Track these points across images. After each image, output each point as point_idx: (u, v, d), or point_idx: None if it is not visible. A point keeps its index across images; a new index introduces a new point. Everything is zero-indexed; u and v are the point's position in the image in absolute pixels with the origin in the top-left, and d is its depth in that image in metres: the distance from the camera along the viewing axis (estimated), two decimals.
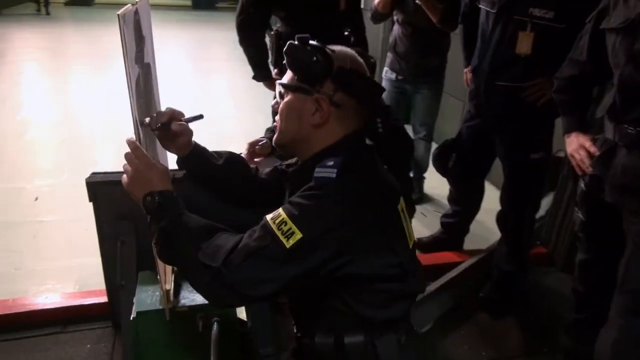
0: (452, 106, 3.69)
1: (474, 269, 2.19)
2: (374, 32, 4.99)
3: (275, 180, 1.20)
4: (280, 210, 0.92)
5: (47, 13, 10.88)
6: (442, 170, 2.23)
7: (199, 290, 0.95)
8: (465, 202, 2.35)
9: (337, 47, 1.02)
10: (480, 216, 2.44)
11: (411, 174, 3.18)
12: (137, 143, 1.02)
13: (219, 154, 1.25)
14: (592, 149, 1.41)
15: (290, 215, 0.90)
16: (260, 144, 1.55)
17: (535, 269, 2.32)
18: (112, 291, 1.76)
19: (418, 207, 3.00)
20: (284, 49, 0.99)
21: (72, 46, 7.68)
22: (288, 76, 1.03)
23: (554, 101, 1.69)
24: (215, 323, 1.37)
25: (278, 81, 1.06)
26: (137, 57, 1.11)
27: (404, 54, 2.82)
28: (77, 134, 3.90)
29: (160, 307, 1.37)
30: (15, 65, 5.97)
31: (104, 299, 1.83)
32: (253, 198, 1.25)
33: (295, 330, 1.12)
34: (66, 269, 2.17)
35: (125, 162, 1.01)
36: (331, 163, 0.95)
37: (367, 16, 2.79)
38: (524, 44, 1.77)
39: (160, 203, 0.97)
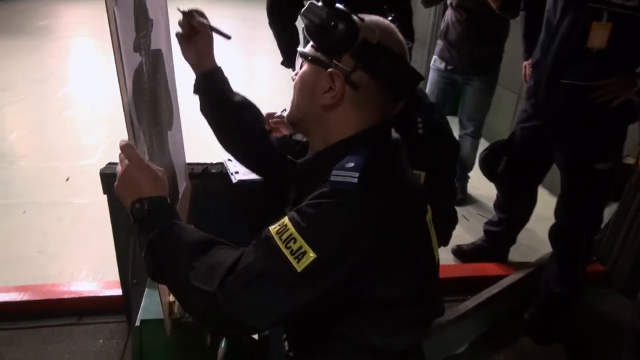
0: (505, 100, 3.39)
1: (519, 285, 1.97)
2: (423, 17, 4.70)
3: (283, 155, 1.01)
4: (287, 220, 0.76)
5: None
6: (489, 174, 2.01)
7: (194, 317, 0.82)
8: (513, 211, 2.12)
9: (373, 17, 0.84)
10: (531, 223, 2.20)
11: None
12: (132, 143, 0.88)
13: (237, 93, 1.15)
14: None
15: (299, 229, 0.74)
16: (275, 115, 1.38)
17: (589, 289, 2.07)
18: (125, 286, 1.68)
19: (460, 209, 2.77)
20: (302, 10, 0.82)
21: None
22: (309, 45, 0.87)
23: (629, 103, 1.44)
24: (224, 338, 1.26)
25: (298, 49, 0.90)
26: (139, 44, 0.97)
27: (455, 41, 2.57)
28: (118, 114, 3.86)
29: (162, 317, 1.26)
30: (64, 42, 6.05)
31: (120, 291, 1.75)
32: (256, 156, 1.15)
33: (287, 349, 0.97)
34: (88, 256, 2.12)
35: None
36: (351, 165, 0.77)
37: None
38: (598, 36, 1.51)
39: (150, 211, 0.83)
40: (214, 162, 1.60)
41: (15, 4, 8.16)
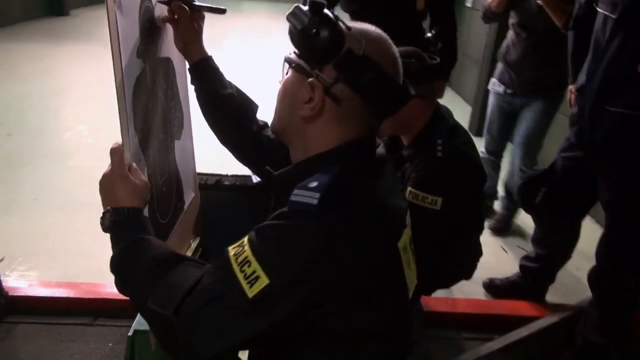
0: (558, 125, 3.18)
1: (553, 330, 1.80)
2: (478, 35, 4.55)
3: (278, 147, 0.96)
4: (245, 241, 0.71)
5: None
6: (526, 205, 1.88)
7: (153, 333, 0.78)
8: (552, 246, 1.95)
9: (364, 26, 0.78)
10: (575, 261, 2.01)
11: (498, 202, 2.79)
12: (121, 148, 0.87)
13: (230, 84, 1.13)
14: None
15: (254, 251, 0.69)
16: None
17: (635, 345, 1.85)
18: None
19: (499, 240, 2.62)
20: (287, 16, 0.76)
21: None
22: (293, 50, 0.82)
23: None
24: None
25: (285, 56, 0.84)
26: (143, 50, 0.96)
27: (515, 63, 2.42)
28: None
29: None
30: None
31: None
32: (252, 151, 1.12)
33: None
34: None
35: None
36: (314, 184, 0.71)
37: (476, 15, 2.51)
38: None
39: (117, 222, 0.81)
40: (229, 174, 1.58)
41: (89, 11, 8.76)
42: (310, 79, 0.76)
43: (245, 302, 0.67)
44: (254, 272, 0.68)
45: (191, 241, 1.38)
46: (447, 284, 1.73)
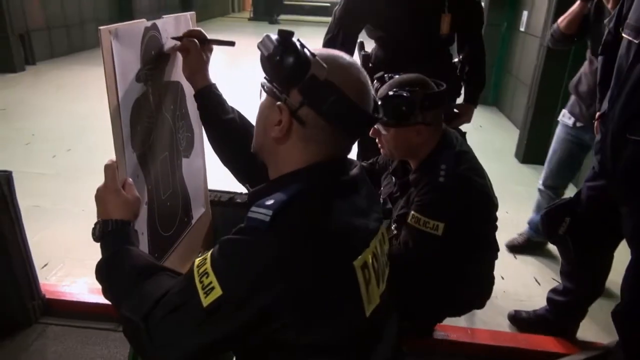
0: None
1: None
2: (530, 61, 4.42)
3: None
4: (209, 254, 0.76)
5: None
6: (549, 235, 1.80)
7: (127, 334, 0.83)
8: (580, 280, 1.84)
9: (331, 52, 0.83)
10: (614, 295, 1.89)
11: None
12: (114, 165, 0.95)
13: (233, 109, 1.19)
14: None
15: (213, 264, 0.74)
16: None
17: None
18: None
19: (533, 270, 2.50)
20: (258, 44, 0.82)
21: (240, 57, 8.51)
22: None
23: None
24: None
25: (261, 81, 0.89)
26: (145, 75, 1.05)
27: (586, 94, 2.24)
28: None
29: None
30: None
31: None
32: (250, 171, 1.14)
33: None
34: None
35: None
36: (271, 202, 0.75)
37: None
38: None
39: (106, 233, 0.89)
40: (243, 192, 1.64)
41: None
42: (278, 103, 0.80)
43: (201, 312, 0.72)
44: (210, 283, 0.72)
45: (199, 254, 1.45)
46: (459, 312, 1.67)
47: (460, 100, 2.22)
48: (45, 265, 2.26)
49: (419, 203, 1.34)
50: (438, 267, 1.36)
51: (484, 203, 1.40)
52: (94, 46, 8.35)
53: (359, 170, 0.89)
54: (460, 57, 2.16)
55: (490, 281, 1.56)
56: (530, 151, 3.92)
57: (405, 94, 1.25)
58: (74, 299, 1.98)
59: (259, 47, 0.81)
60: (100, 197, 0.93)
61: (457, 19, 1.98)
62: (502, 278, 2.39)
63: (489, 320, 2.08)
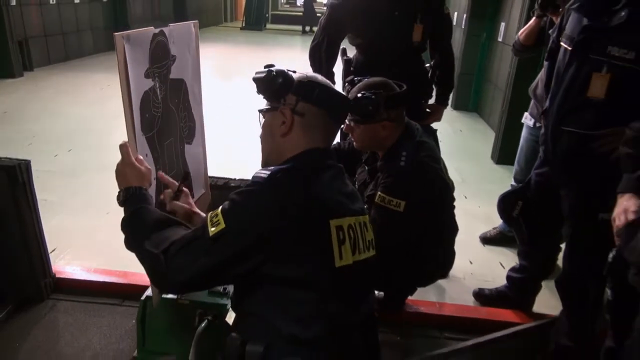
0: None
1: (527, 334, 1.93)
2: (506, 69, 4.71)
3: None
4: (220, 207, 1.01)
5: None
6: (505, 218, 2.04)
7: (147, 274, 1.06)
8: (533, 258, 2.08)
9: (306, 73, 1.10)
10: None
11: None
12: (127, 144, 1.18)
13: None
14: (630, 217, 1.17)
15: (222, 208, 0.99)
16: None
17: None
18: None
19: (499, 256, 2.74)
20: (253, 77, 1.07)
21: (237, 60, 8.74)
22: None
23: None
24: (206, 321, 1.47)
25: (258, 109, 1.15)
26: (153, 72, 1.28)
27: (542, 96, 2.40)
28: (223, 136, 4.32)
29: (168, 297, 1.52)
30: None
31: None
32: None
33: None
34: None
35: None
36: (271, 168, 1.02)
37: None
38: (598, 86, 1.55)
39: (127, 197, 1.11)
40: (237, 177, 1.88)
41: None
42: (280, 108, 1.07)
43: (208, 240, 0.96)
44: (217, 220, 0.97)
45: None
46: (425, 282, 1.90)
47: (432, 101, 2.48)
48: (54, 250, 2.46)
49: (383, 185, 1.57)
50: (403, 241, 1.59)
51: (439, 184, 1.64)
52: (89, 53, 8.57)
53: (342, 171, 1.14)
54: (432, 62, 2.41)
55: (450, 254, 1.80)
56: (504, 153, 4.17)
57: (371, 96, 1.49)
58: (81, 278, 2.19)
59: (254, 80, 1.08)
60: (120, 170, 1.16)
61: (427, 29, 2.24)
62: (471, 262, 2.64)
63: (457, 297, 2.31)
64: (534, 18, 2.44)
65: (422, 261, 1.69)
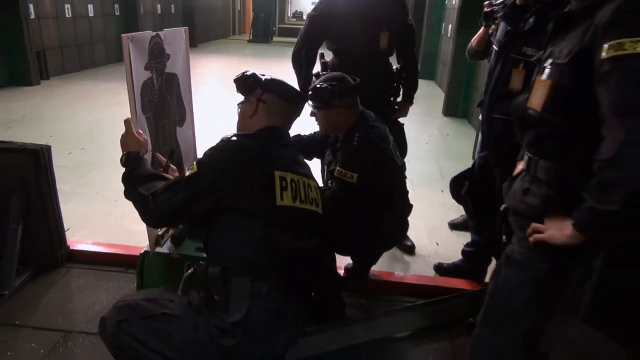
0: None
1: (472, 297, 2.22)
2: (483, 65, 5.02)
3: None
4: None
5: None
6: (455, 197, 2.35)
7: (140, 213, 1.40)
8: (482, 233, 2.39)
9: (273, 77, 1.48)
10: None
11: None
12: (130, 120, 1.53)
13: None
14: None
15: (198, 159, 1.36)
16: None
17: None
18: None
19: (464, 241, 3.03)
20: (233, 79, 1.46)
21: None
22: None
23: None
24: (192, 269, 1.80)
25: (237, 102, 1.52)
26: (151, 65, 1.63)
27: None
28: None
29: (160, 252, 1.86)
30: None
31: None
32: None
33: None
34: None
35: None
36: (237, 133, 1.40)
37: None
38: (517, 80, 1.88)
39: (128, 159, 1.46)
40: None
41: None
42: (250, 98, 1.44)
43: (184, 179, 1.32)
44: (193, 167, 1.33)
45: None
46: (379, 248, 2.20)
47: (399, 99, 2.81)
48: (68, 229, 2.80)
49: (340, 160, 1.90)
50: (357, 207, 1.91)
51: (386, 160, 1.96)
52: (101, 64, 9.04)
53: (295, 147, 1.51)
54: (398, 65, 2.75)
55: (403, 224, 2.12)
56: None
57: (327, 87, 1.83)
58: (91, 250, 2.54)
59: (234, 81, 1.46)
60: (123, 138, 1.51)
61: (393, 37, 2.58)
62: (437, 244, 2.95)
63: (420, 272, 2.62)
64: (482, 27, 2.77)
65: (375, 227, 2.00)
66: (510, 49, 1.89)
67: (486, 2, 2.29)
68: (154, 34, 1.63)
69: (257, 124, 1.44)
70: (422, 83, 10.57)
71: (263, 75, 1.47)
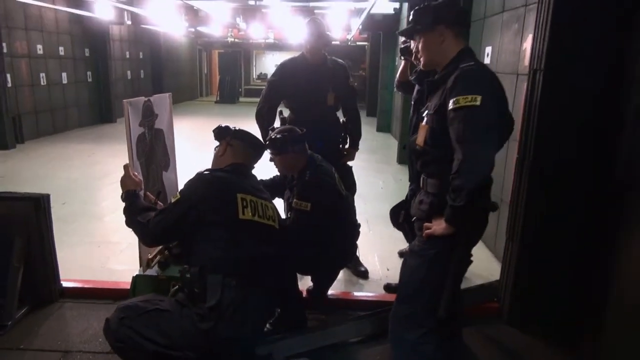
0: None
1: None
2: None
3: None
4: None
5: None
6: (394, 224, 2.83)
7: (140, 237, 1.83)
8: None
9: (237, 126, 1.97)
10: None
11: None
12: (128, 165, 1.98)
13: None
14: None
15: (180, 189, 1.81)
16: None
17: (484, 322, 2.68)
18: None
19: None
20: (212, 130, 1.94)
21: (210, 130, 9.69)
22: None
23: None
24: (177, 287, 2.19)
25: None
26: (144, 122, 2.11)
27: None
28: None
29: (149, 274, 2.25)
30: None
31: None
32: None
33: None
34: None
35: None
36: (206, 169, 1.85)
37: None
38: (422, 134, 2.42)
39: (126, 196, 1.91)
40: None
41: None
42: (222, 142, 1.93)
43: (170, 205, 1.76)
44: (177, 195, 1.78)
45: None
46: (331, 266, 2.63)
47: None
48: None
49: (296, 194, 2.38)
50: (312, 231, 2.36)
51: (332, 192, 2.44)
52: (74, 127, 9.43)
53: (256, 179, 1.98)
54: (345, 118, 3.31)
55: (351, 243, 2.58)
56: None
57: (280, 137, 2.33)
58: (81, 286, 2.86)
59: (213, 131, 1.96)
60: (123, 180, 1.95)
61: (338, 96, 3.15)
62: (388, 269, 3.40)
63: (372, 292, 3.05)
64: (403, 61, 3.32)
65: (327, 247, 2.45)
66: (419, 105, 2.46)
67: (402, 40, 2.88)
68: (146, 99, 2.12)
69: (225, 162, 1.93)
70: (380, 135, 11.35)
71: (234, 127, 1.97)
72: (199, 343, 1.69)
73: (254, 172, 2.10)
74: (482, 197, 1.59)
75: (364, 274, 3.25)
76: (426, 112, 1.75)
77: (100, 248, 3.65)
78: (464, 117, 1.54)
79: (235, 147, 1.93)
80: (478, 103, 1.54)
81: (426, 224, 1.70)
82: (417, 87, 2.55)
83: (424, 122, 1.74)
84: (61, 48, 9.08)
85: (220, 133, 1.97)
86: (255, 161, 2.01)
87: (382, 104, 10.21)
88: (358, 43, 15.53)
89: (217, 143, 1.99)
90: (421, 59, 1.89)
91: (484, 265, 3.36)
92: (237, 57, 18.90)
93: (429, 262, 1.71)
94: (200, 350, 1.71)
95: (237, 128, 1.99)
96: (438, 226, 1.64)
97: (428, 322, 1.74)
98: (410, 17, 1.89)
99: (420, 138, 1.75)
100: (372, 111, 12.10)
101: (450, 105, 1.58)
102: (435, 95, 1.72)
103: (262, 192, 1.97)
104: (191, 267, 1.76)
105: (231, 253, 1.76)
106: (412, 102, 2.56)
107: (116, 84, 11.13)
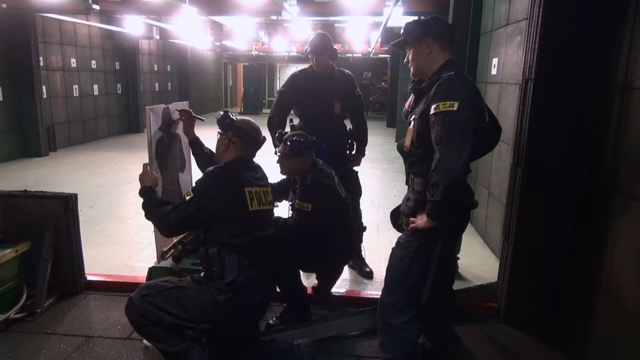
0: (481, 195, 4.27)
1: None
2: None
3: None
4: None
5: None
6: (394, 226, 2.97)
7: (158, 228, 2.04)
8: None
9: (244, 119, 2.15)
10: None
11: None
12: (147, 164, 2.20)
13: (207, 148, 2.51)
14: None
15: (193, 186, 2.01)
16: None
17: (484, 320, 2.79)
18: None
19: None
20: (216, 118, 2.13)
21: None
22: None
23: None
24: (188, 277, 2.39)
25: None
26: (162, 127, 2.33)
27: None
28: None
29: (163, 266, 2.46)
30: None
31: None
32: None
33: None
34: None
35: None
36: (216, 166, 2.05)
37: None
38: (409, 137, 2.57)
39: (144, 191, 2.12)
40: None
41: None
42: (224, 136, 2.11)
43: (185, 201, 1.96)
44: (190, 192, 1.98)
45: None
46: (332, 264, 2.78)
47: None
48: None
49: (298, 195, 2.55)
50: (313, 229, 2.53)
51: (333, 193, 2.60)
52: (104, 136, 9.87)
53: (258, 168, 2.17)
54: (352, 126, 3.49)
55: (350, 246, 2.73)
56: None
57: (302, 141, 2.52)
58: (105, 280, 3.09)
59: (217, 122, 2.13)
60: (141, 176, 2.17)
61: (345, 105, 3.33)
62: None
63: (377, 291, 3.18)
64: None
65: (326, 245, 2.61)
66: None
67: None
68: (165, 106, 2.35)
69: (228, 157, 2.13)
70: None
71: (236, 117, 2.15)
72: (215, 315, 1.94)
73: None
74: (459, 194, 1.73)
75: (369, 275, 3.39)
76: (413, 116, 1.92)
77: (123, 247, 3.90)
78: (442, 121, 1.70)
79: (236, 144, 2.10)
80: (455, 108, 1.70)
81: (411, 219, 1.86)
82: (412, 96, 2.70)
83: (411, 126, 1.91)
84: (93, 62, 9.57)
85: (224, 125, 2.12)
86: (255, 151, 2.21)
87: (400, 113, 10.35)
88: (380, 55, 15.74)
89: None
90: (411, 68, 2.05)
91: (488, 268, 3.46)
92: (261, 69, 19.35)
93: (413, 253, 1.87)
94: (215, 321, 1.96)
95: (238, 118, 2.14)
96: (421, 220, 1.80)
97: (411, 309, 1.89)
98: (402, 30, 2.07)
99: (408, 140, 1.93)
100: (392, 122, 12.24)
101: (432, 110, 1.75)
102: (421, 102, 1.89)
103: (262, 179, 2.18)
104: (209, 248, 1.97)
105: (243, 238, 1.99)
106: (409, 110, 2.71)
107: (144, 95, 11.59)
